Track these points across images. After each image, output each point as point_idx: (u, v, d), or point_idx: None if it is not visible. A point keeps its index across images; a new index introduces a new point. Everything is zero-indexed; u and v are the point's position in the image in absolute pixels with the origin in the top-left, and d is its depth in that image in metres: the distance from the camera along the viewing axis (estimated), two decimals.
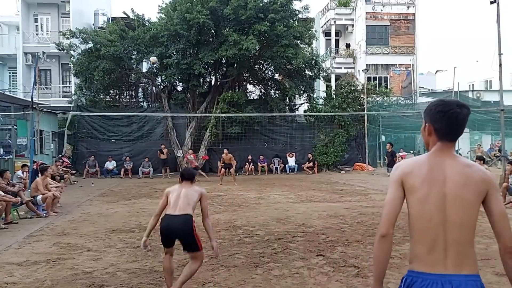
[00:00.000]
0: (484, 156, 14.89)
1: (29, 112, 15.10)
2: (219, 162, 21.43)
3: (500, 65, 13.09)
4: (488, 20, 23.11)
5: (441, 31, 63.48)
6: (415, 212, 2.05)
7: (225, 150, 17.81)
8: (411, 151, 25.25)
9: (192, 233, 4.59)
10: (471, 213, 1.98)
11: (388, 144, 15.61)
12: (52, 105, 22.77)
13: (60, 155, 19.71)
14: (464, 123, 2.10)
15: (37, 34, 28.29)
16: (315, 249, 6.34)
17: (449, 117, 2.05)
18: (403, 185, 2.09)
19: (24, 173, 13.01)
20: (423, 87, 34.39)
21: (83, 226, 8.50)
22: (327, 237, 7.14)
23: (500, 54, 13.02)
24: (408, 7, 31.41)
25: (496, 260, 5.58)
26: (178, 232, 4.55)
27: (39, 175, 10.74)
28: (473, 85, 39.61)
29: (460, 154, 24.84)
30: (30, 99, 15.10)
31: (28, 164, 13.44)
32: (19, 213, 9.70)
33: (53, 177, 13.31)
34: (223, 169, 17.45)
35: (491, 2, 12.97)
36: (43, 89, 28.02)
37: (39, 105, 16.42)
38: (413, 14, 31.51)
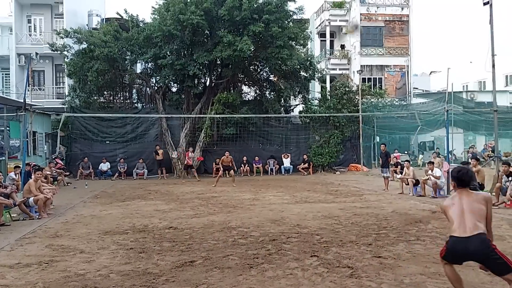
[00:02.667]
0: (478, 156, 14.94)
1: (22, 113, 14.97)
2: (214, 163, 21.45)
3: (494, 66, 13.14)
4: (482, 22, 23.27)
5: (435, 32, 63.84)
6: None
7: (226, 153, 17.92)
8: (406, 152, 25.37)
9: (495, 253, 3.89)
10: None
11: (382, 145, 15.64)
12: (45, 106, 22.63)
13: (53, 156, 19.58)
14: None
15: (30, 35, 28.11)
16: (309, 250, 6.32)
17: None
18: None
19: (17, 174, 12.90)
20: (417, 88, 34.57)
21: (76, 228, 8.43)
22: (322, 238, 7.13)
23: (493, 55, 13.07)
24: (402, 9, 31.55)
25: None
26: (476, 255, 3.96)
27: (32, 176, 10.65)
28: (467, 86, 39.84)
29: (454, 154, 25.03)
30: (23, 100, 14.97)
31: (21, 165, 13.32)
32: (12, 215, 9.61)
33: (45, 177, 13.22)
34: (220, 171, 17.40)
35: (484, 4, 13.03)
36: (36, 90, 27.84)
37: (32, 106, 16.30)
38: (407, 16, 31.66)
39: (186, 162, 20.66)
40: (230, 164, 17.60)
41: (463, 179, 4.18)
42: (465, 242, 3.87)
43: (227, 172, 18.13)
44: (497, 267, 3.86)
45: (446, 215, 4.21)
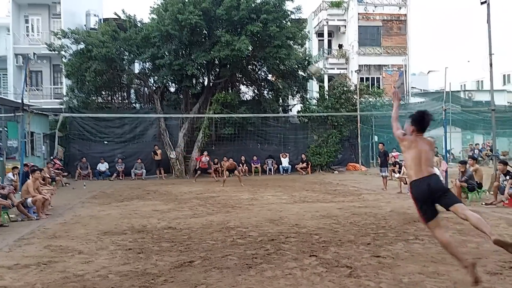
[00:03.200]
0: (475, 156, 14.98)
1: (20, 114, 14.92)
2: (211, 163, 21.30)
3: (491, 65, 13.16)
4: (479, 21, 23.32)
5: (433, 32, 63.92)
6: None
7: (226, 158, 18.33)
8: None
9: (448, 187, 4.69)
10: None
11: (381, 144, 15.65)
12: (43, 106, 22.60)
13: (52, 157, 19.55)
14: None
15: (27, 35, 28.07)
16: (308, 249, 6.33)
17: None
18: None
19: (15, 175, 12.87)
20: (415, 88, 34.62)
21: (75, 228, 8.42)
22: (320, 237, 7.14)
23: (491, 54, 13.09)
24: (400, 8, 31.58)
25: (487, 259, 5.61)
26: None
27: (30, 177, 10.63)
28: (464, 85, 39.93)
29: (452, 153, 25.06)
30: (20, 101, 14.92)
31: (19, 166, 13.29)
32: (10, 216, 9.58)
33: (43, 179, 13.19)
34: (227, 172, 17.20)
35: (482, 3, 13.05)
36: (34, 90, 27.78)
37: (30, 107, 16.28)
38: (405, 15, 31.69)
39: (199, 165, 20.07)
40: (234, 167, 17.42)
41: (423, 124, 4.72)
42: (427, 180, 4.49)
43: (232, 173, 17.77)
44: (451, 199, 4.50)
45: (401, 144, 4.79)
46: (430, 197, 4.49)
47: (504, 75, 37.30)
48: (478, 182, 11.28)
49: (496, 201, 10.29)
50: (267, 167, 22.65)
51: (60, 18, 27.52)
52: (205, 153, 20.53)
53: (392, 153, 20.63)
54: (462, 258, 4.46)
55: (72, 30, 21.60)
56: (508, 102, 31.23)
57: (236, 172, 17.40)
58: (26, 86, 20.01)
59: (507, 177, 10.26)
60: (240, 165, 22.16)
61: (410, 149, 4.68)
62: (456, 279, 4.82)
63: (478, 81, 38.51)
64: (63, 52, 21.86)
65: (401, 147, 4.83)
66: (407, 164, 4.74)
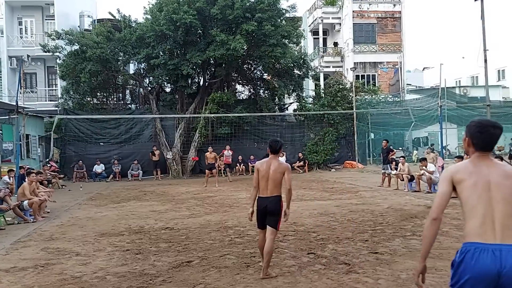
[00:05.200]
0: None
1: (15, 116, 14.86)
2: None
3: (486, 61, 13.24)
4: (473, 17, 23.37)
5: (427, 29, 64.11)
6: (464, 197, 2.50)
7: (209, 149, 17.24)
8: (400, 148, 25.46)
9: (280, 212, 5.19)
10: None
11: (384, 141, 15.56)
12: (38, 109, 22.52)
13: (48, 159, 19.47)
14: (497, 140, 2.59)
15: (21, 37, 27.93)
16: (306, 247, 6.34)
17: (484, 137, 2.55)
18: (452, 182, 2.54)
19: (11, 178, 12.81)
20: (410, 84, 34.72)
21: (72, 230, 8.39)
22: (318, 235, 7.14)
23: (485, 50, 13.16)
24: (394, 5, 31.64)
25: None
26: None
27: (26, 180, 10.58)
28: (460, 81, 40.10)
29: (448, 149, 25.17)
30: (15, 103, 14.86)
31: (15, 169, 13.23)
32: (6, 219, 9.53)
33: (40, 182, 13.14)
34: (207, 170, 16.94)
35: None
36: (29, 92, 27.66)
37: (25, 109, 16.20)
38: (400, 12, 31.76)
39: (224, 161, 18.66)
40: (214, 162, 16.90)
41: (274, 147, 5.37)
42: (266, 200, 5.08)
43: (225, 170, 17.44)
44: (271, 221, 5.06)
45: (256, 173, 5.26)
46: (265, 212, 5.11)
47: (498, 71, 37.48)
48: None
49: None
50: None
51: (54, 19, 27.39)
52: (228, 147, 19.31)
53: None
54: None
55: (66, 31, 21.50)
56: (503, 98, 31.42)
57: (226, 169, 17.15)
58: (21, 88, 19.90)
59: None
60: (237, 164, 22.21)
61: (262, 170, 5.28)
62: None
63: (473, 77, 38.68)
64: (57, 54, 21.75)
65: None
66: None
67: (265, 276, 4.96)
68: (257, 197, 5.22)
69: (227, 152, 18.89)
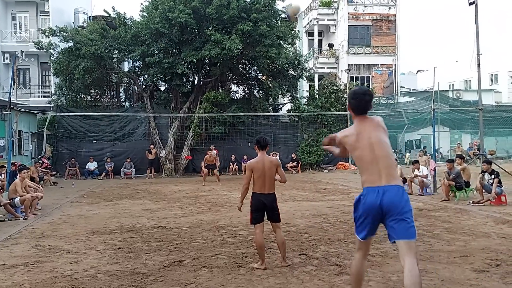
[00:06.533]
0: (463, 155, 15.14)
1: (7, 112, 14.75)
2: (202, 162, 21.11)
3: (479, 65, 13.33)
4: (467, 21, 23.57)
5: (422, 32, 64.46)
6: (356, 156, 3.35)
7: (209, 152, 17.37)
8: (393, 150, 25.52)
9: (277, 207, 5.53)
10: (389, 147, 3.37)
11: None
12: (31, 105, 22.38)
13: (40, 156, 19.33)
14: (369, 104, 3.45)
15: (15, 33, 27.71)
16: (297, 248, 6.35)
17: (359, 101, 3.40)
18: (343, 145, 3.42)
19: (2, 174, 12.72)
20: (404, 87, 34.91)
21: (63, 228, 8.35)
22: (310, 236, 7.16)
23: (478, 55, 13.26)
24: (389, 8, 31.81)
25: (474, 257, 5.68)
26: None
27: (18, 176, 10.50)
28: (453, 84, 40.39)
29: (440, 152, 25.32)
30: (8, 99, 14.75)
31: (6, 165, 13.13)
32: None
33: (32, 179, 13.05)
34: (206, 169, 17.12)
35: (470, 3, 13.21)
36: (22, 89, 27.47)
37: (17, 105, 16.08)
38: (394, 15, 31.94)
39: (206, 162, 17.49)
40: (215, 162, 17.12)
41: (262, 143, 5.54)
42: (265, 196, 5.33)
43: (210, 170, 17.07)
44: (275, 217, 5.40)
45: (250, 172, 5.42)
46: (264, 209, 5.38)
47: (491, 75, 37.80)
48: (466, 181, 11.41)
49: (483, 200, 10.42)
50: None
51: (48, 15, 27.23)
52: (212, 146, 18.34)
53: None
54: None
55: (61, 28, 21.36)
56: (495, 102, 31.67)
57: (215, 170, 17.11)
58: (14, 84, 19.77)
59: (493, 176, 10.39)
60: (230, 164, 22.21)
61: (257, 167, 5.42)
62: (443, 277, 4.88)
63: (466, 80, 38.98)
64: (51, 50, 21.62)
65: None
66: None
67: (286, 264, 5.33)
68: (253, 194, 5.39)
69: (207, 156, 17.52)
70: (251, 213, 5.42)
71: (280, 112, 25.68)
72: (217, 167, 17.57)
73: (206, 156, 17.18)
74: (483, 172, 10.77)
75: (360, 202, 3.31)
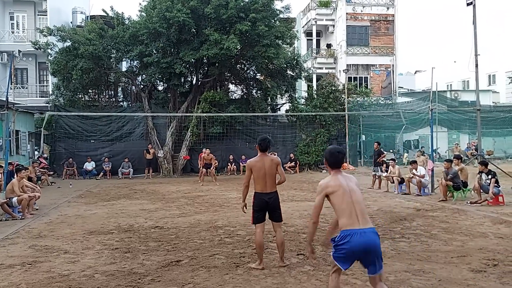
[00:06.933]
0: (461, 155, 15.16)
1: (4, 112, 14.69)
2: (198, 161, 21.01)
3: (477, 65, 13.35)
4: (465, 22, 23.59)
5: (420, 32, 64.57)
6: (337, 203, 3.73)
7: (206, 150, 17.47)
8: (391, 150, 25.61)
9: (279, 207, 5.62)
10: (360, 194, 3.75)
11: (376, 143, 15.64)
12: (28, 104, 22.29)
13: (37, 156, 19.28)
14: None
15: (13, 32, 27.64)
16: (295, 248, 6.36)
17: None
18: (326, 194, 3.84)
19: None
20: (402, 87, 34.95)
21: (60, 228, 8.33)
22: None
23: (476, 55, 13.28)
24: (387, 8, 31.83)
25: (472, 257, 5.68)
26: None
27: (15, 176, 10.47)
28: (451, 85, 40.46)
29: (438, 153, 25.35)
30: (5, 99, 14.68)
31: (3, 165, 13.08)
32: None
33: (29, 179, 13.00)
34: (204, 170, 17.10)
35: (468, 4, 13.23)
36: (19, 88, 27.39)
37: (15, 105, 16.01)
38: (393, 15, 31.96)
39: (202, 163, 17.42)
40: (211, 162, 17.07)
41: (264, 145, 5.58)
42: (267, 195, 5.38)
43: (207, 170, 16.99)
44: (277, 216, 5.49)
45: (249, 171, 5.48)
46: (266, 209, 5.46)
47: (489, 76, 37.90)
48: (464, 181, 11.43)
49: (480, 200, 10.43)
50: None
51: (46, 15, 27.16)
52: (205, 150, 17.87)
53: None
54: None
55: (58, 27, 21.31)
56: (493, 102, 31.72)
57: (212, 170, 17.07)
58: (11, 83, 19.68)
59: (489, 176, 10.41)
60: (228, 164, 22.19)
61: (257, 166, 5.50)
62: (441, 277, 4.88)
63: (464, 81, 39.07)
64: (49, 50, 21.56)
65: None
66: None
67: (283, 264, 5.37)
68: (255, 194, 5.42)
69: (206, 156, 17.35)
70: (252, 212, 5.45)
71: (279, 112, 25.67)
72: (214, 167, 17.52)
73: (203, 155, 17.12)
74: (480, 172, 10.79)
75: (345, 241, 3.57)
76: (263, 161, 5.46)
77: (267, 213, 5.47)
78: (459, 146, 25.33)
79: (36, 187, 11.52)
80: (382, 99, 29.90)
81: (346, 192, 3.71)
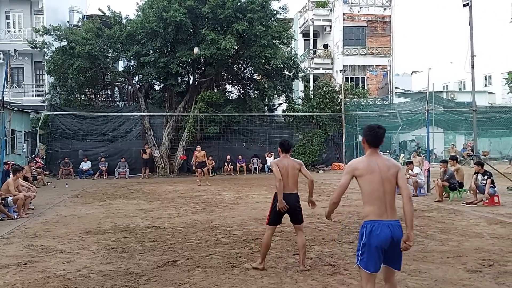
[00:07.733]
0: (457, 156, 15.21)
1: (0, 111, 14.62)
2: (192, 162, 20.72)
3: (473, 66, 13.40)
4: (461, 23, 23.68)
5: (416, 33, 64.74)
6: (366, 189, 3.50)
7: (198, 147, 17.20)
8: (387, 151, 25.67)
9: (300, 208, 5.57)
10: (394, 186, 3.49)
11: None
12: (24, 104, 22.19)
13: (33, 155, 19.20)
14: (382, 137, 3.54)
15: (9, 31, 27.50)
16: (292, 248, 6.36)
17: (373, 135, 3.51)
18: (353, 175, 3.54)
19: None
20: (399, 88, 35.02)
21: (56, 228, 8.30)
22: (304, 236, 7.14)
23: (472, 56, 13.33)
24: (384, 9, 31.89)
25: (467, 257, 5.70)
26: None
27: (11, 176, 10.42)
28: (447, 86, 40.56)
29: (434, 153, 25.43)
30: (1, 98, 14.61)
31: None
32: None
33: (25, 178, 12.94)
34: (199, 170, 16.87)
35: (464, 5, 13.28)
36: (15, 87, 27.27)
37: (11, 104, 15.95)
38: (390, 16, 32.01)
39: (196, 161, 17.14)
40: (205, 160, 16.89)
41: (286, 146, 5.80)
42: (288, 196, 5.42)
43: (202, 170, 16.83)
44: (298, 218, 5.43)
45: (275, 169, 5.54)
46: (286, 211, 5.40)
47: (485, 76, 38.01)
48: (460, 181, 11.47)
49: (476, 200, 10.47)
50: (252, 166, 22.65)
51: (42, 14, 27.04)
52: (198, 147, 17.72)
53: None
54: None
55: (55, 26, 21.23)
56: (489, 103, 31.84)
57: (205, 169, 17.00)
58: (7, 83, 19.62)
59: (485, 177, 10.45)
60: (225, 164, 22.19)
61: (282, 167, 5.58)
62: (437, 277, 4.90)
63: (460, 82, 39.17)
64: (45, 49, 21.48)
65: None
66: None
67: (305, 269, 5.19)
68: (276, 194, 5.42)
69: (198, 153, 17.22)
70: (270, 212, 5.38)
71: (275, 113, 25.68)
72: (208, 166, 17.40)
73: (196, 153, 17.01)
74: (476, 173, 10.83)
75: (372, 234, 3.38)
76: (286, 162, 5.54)
77: (283, 217, 5.40)
78: (455, 147, 25.41)
79: (32, 187, 11.47)
80: (379, 99, 29.96)
81: (377, 179, 3.39)
